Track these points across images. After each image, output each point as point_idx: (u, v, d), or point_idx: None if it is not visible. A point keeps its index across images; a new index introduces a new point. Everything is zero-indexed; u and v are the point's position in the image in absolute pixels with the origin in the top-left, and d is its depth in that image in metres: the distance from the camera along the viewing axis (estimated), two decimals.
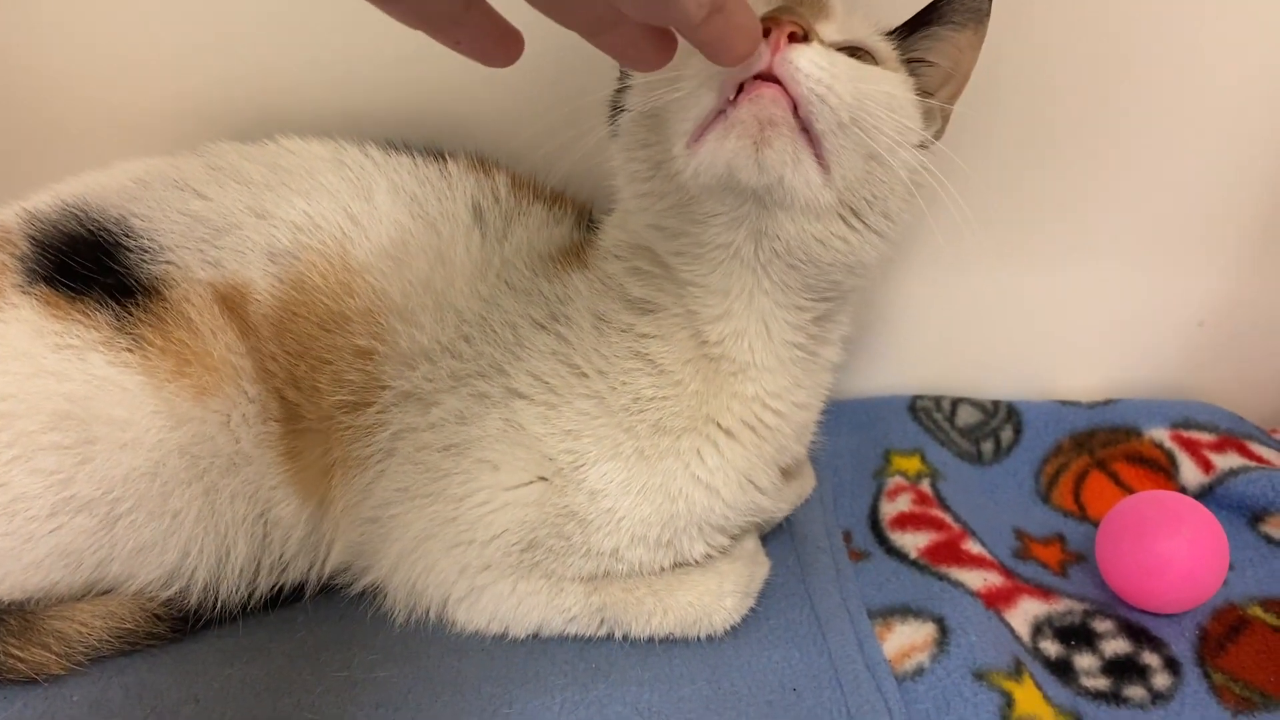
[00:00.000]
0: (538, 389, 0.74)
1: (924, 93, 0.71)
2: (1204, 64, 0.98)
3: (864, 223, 0.65)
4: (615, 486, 0.72)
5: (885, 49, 0.70)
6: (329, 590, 0.81)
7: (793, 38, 0.56)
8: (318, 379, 0.75)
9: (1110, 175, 1.02)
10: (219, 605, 0.76)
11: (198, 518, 0.73)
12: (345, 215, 0.78)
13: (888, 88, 0.63)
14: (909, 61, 0.72)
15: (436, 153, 0.85)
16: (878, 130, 0.60)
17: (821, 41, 0.58)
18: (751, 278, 0.69)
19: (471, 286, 0.77)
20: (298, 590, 0.80)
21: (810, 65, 0.56)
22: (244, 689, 0.72)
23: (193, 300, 0.74)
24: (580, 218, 0.85)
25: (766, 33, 0.55)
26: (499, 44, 0.49)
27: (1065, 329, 1.09)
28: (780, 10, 0.57)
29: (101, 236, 0.75)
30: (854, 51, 0.65)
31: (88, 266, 0.73)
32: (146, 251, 0.75)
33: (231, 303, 0.76)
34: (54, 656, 0.71)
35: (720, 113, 0.58)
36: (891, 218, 0.66)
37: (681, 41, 0.50)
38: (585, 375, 0.73)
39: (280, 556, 0.78)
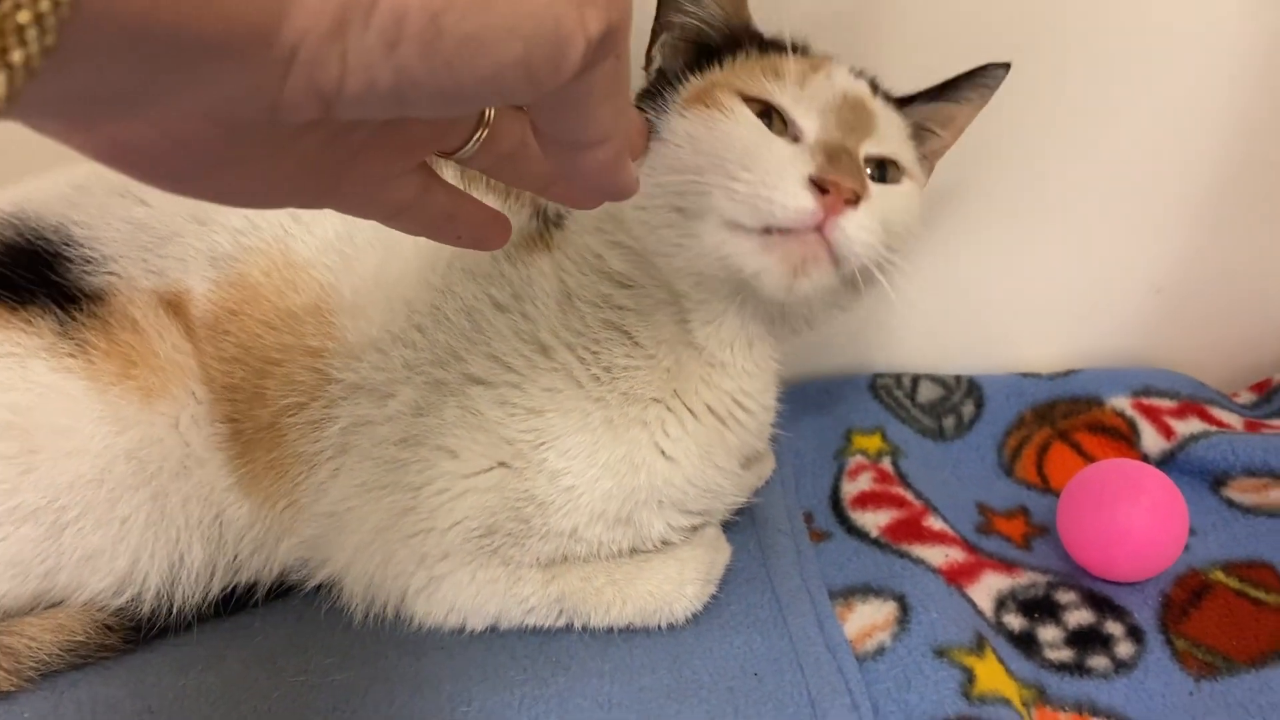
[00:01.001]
0: (497, 371, 0.73)
1: (922, 155, 0.78)
2: (1153, 27, 0.97)
3: (861, 289, 0.67)
4: (579, 461, 0.72)
5: (908, 154, 0.74)
6: (286, 592, 0.80)
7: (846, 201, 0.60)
8: (264, 381, 0.73)
9: (1063, 144, 1.02)
10: (173, 612, 0.75)
11: (147, 523, 0.72)
12: (287, 214, 0.77)
13: (909, 203, 0.71)
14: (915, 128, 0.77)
15: None
16: (895, 249, 0.66)
17: (868, 198, 0.62)
18: (743, 311, 0.73)
19: (422, 277, 0.76)
20: (251, 590, 0.79)
21: (857, 230, 0.61)
22: (199, 698, 0.70)
23: (137, 304, 0.73)
24: (538, 210, 0.84)
25: (823, 189, 0.60)
26: (492, 228, 0.51)
27: (1024, 301, 1.09)
28: (840, 167, 0.61)
29: (40, 246, 0.73)
30: (884, 163, 0.70)
31: (28, 278, 0.71)
32: (89, 262, 0.74)
33: (176, 307, 0.75)
34: (3, 673, 0.70)
35: (765, 230, 0.62)
36: (886, 276, 0.67)
37: (751, 144, 0.61)
38: (551, 350, 0.73)
39: (235, 557, 0.77)
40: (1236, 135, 1.02)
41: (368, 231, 0.77)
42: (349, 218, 0.75)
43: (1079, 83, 0.99)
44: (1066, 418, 1.01)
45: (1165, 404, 1.00)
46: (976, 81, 0.78)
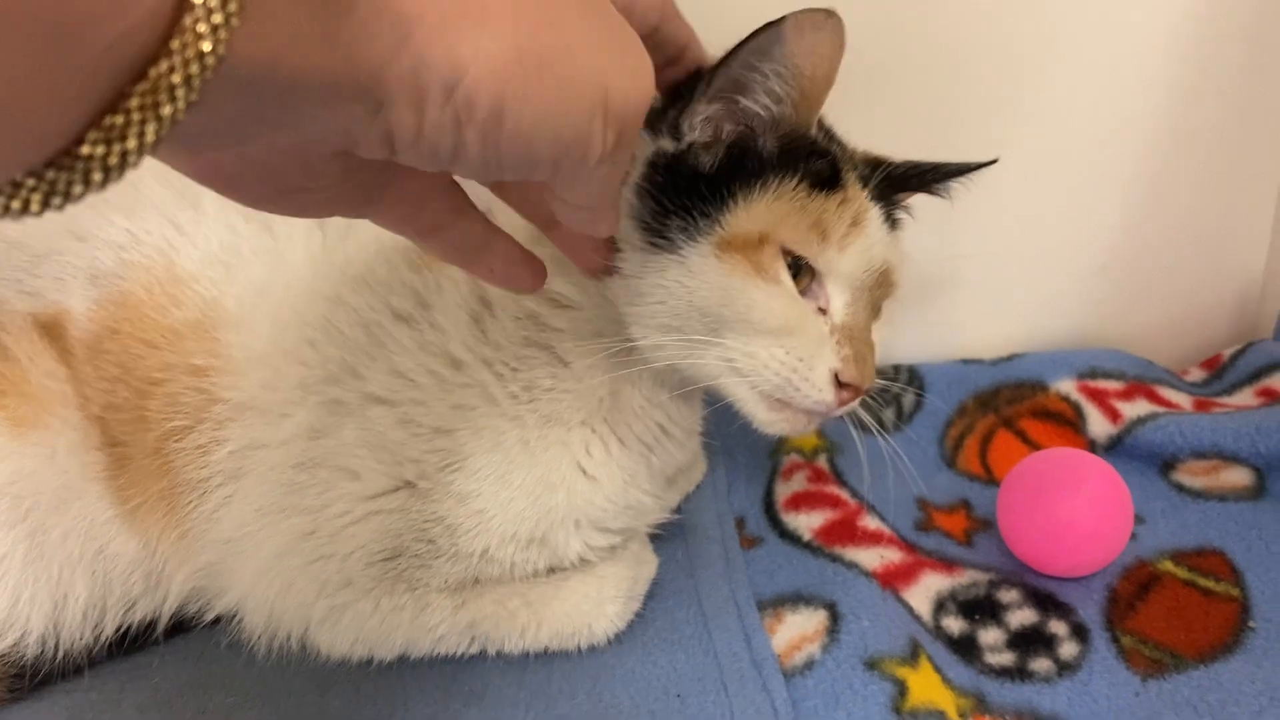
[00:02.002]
0: (399, 387, 0.68)
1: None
2: (1085, 6, 0.94)
3: None
4: (489, 483, 0.68)
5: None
6: (187, 629, 0.76)
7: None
8: (145, 403, 0.69)
9: (999, 123, 0.98)
10: (61, 656, 0.71)
11: (25, 561, 0.68)
12: (170, 225, 0.73)
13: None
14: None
15: None
16: None
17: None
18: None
19: (313, 287, 0.72)
20: (150, 628, 0.74)
21: (857, 404, 0.66)
22: None
23: (7, 329, 0.69)
24: None
25: (848, 386, 0.62)
26: (524, 269, 0.53)
27: (965, 285, 1.06)
28: (865, 369, 0.63)
29: None
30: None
31: None
32: None
33: (52, 330, 0.70)
34: None
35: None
36: None
37: (791, 324, 0.61)
38: (463, 364, 0.68)
39: (124, 594, 0.73)
40: (1174, 106, 0.99)
41: (254, 240, 0.72)
42: (235, 227, 0.73)
43: (1013, 61, 0.96)
44: (1011, 404, 0.98)
45: (1112, 385, 0.97)
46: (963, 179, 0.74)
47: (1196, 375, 1.05)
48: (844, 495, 0.88)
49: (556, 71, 0.37)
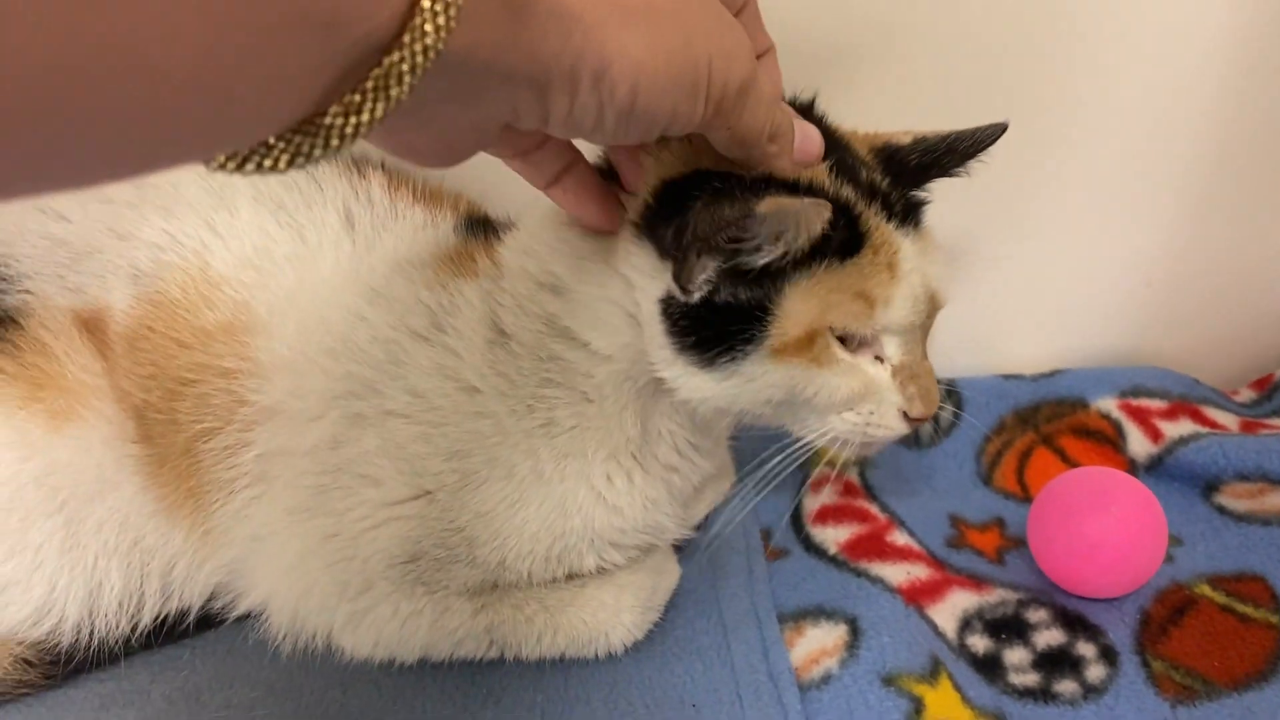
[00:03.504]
0: (419, 408, 0.68)
1: None
2: (1142, 15, 0.92)
3: None
4: (503, 506, 0.68)
5: None
6: (216, 624, 0.77)
7: None
8: (176, 404, 0.70)
9: (1044, 135, 0.96)
10: (95, 644, 0.72)
11: (61, 550, 0.70)
12: (206, 227, 0.74)
13: None
14: None
15: None
16: None
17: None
18: None
19: (338, 299, 0.73)
20: (181, 622, 0.76)
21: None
22: None
23: (48, 325, 0.71)
24: (466, 221, 0.80)
25: (919, 418, 0.64)
26: (596, 203, 0.60)
27: (1007, 298, 1.04)
28: (929, 401, 0.64)
29: None
30: None
31: None
32: (3, 280, 0.71)
33: (92, 326, 0.72)
34: None
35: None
36: None
37: (856, 393, 0.62)
38: (478, 392, 0.68)
39: (162, 586, 0.74)
40: (1228, 119, 0.96)
41: (286, 246, 0.74)
42: (268, 232, 0.74)
43: (1063, 72, 0.94)
44: (1050, 421, 0.96)
45: (1155, 404, 0.94)
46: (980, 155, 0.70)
47: (1246, 395, 1.02)
48: (874, 510, 0.87)
49: (677, 61, 0.44)
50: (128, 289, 0.72)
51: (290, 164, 0.32)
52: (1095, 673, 0.70)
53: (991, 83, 0.94)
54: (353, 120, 0.32)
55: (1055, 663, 0.71)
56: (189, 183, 0.76)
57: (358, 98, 0.32)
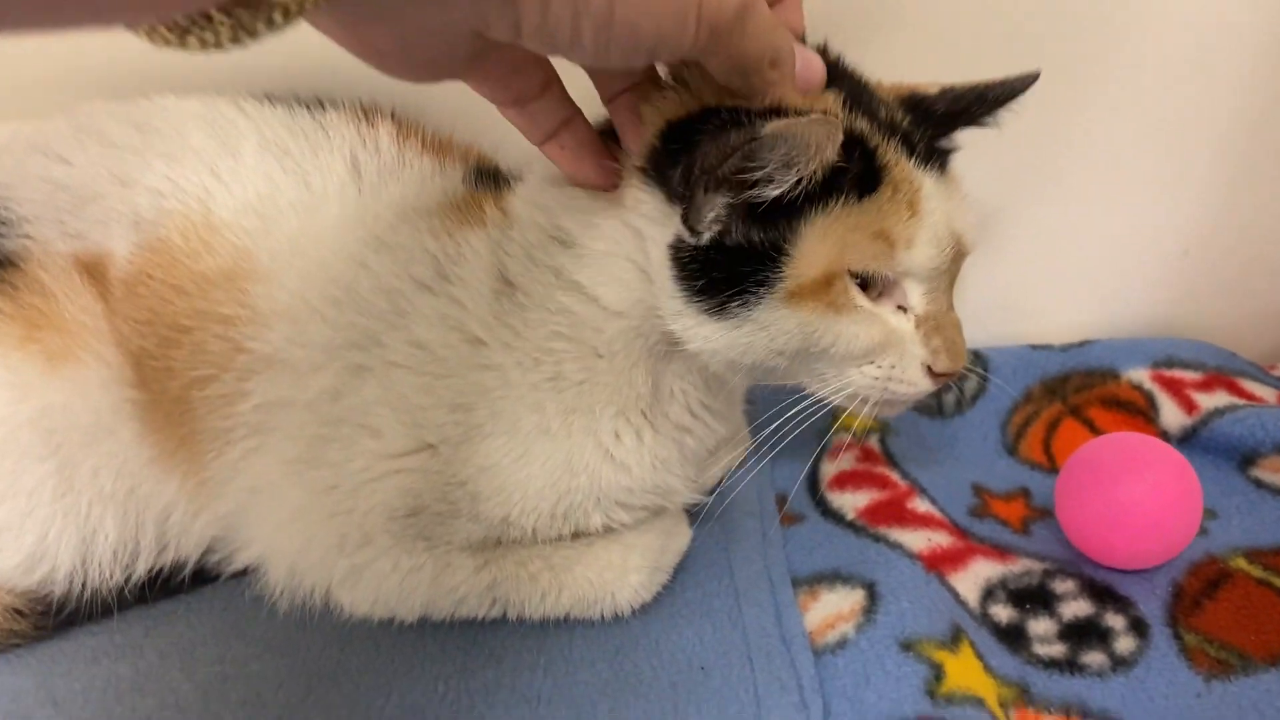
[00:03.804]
0: (421, 359, 0.66)
1: None
2: None
3: None
4: (507, 460, 0.66)
5: None
6: (212, 578, 0.75)
7: None
8: (172, 350, 0.69)
9: (1078, 93, 0.93)
10: (89, 595, 0.71)
11: (55, 495, 0.68)
12: (210, 173, 0.72)
13: None
14: None
15: (317, 103, 0.78)
16: None
17: None
18: None
19: (341, 246, 0.70)
20: (177, 574, 0.74)
21: None
22: (107, 689, 0.66)
23: (48, 268, 0.70)
24: (475, 172, 0.77)
25: (944, 373, 0.61)
26: (592, 160, 0.60)
27: (1036, 267, 1.01)
28: (955, 354, 0.61)
29: None
30: None
31: None
32: (3, 224, 0.70)
33: (92, 271, 0.71)
34: None
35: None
36: None
37: (878, 342, 0.59)
38: (482, 344, 0.66)
39: (158, 536, 0.73)
40: (1269, 84, 0.92)
41: (291, 193, 0.72)
42: (273, 178, 0.72)
43: (1098, 27, 0.91)
44: (1079, 392, 0.92)
45: (1189, 376, 0.91)
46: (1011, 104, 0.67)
47: None
48: (894, 476, 0.84)
49: None
50: (129, 235, 0.71)
51: (233, 39, 0.31)
52: (1124, 644, 0.67)
53: (1024, 40, 0.91)
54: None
55: (1082, 634, 0.68)
56: (194, 129, 0.74)
57: None
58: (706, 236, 0.56)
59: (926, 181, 0.59)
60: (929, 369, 0.61)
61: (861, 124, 0.58)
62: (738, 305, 0.57)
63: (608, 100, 0.60)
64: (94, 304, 0.70)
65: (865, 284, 0.58)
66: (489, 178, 0.75)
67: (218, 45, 0.32)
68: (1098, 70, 0.92)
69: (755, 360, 0.60)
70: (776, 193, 0.54)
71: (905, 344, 0.60)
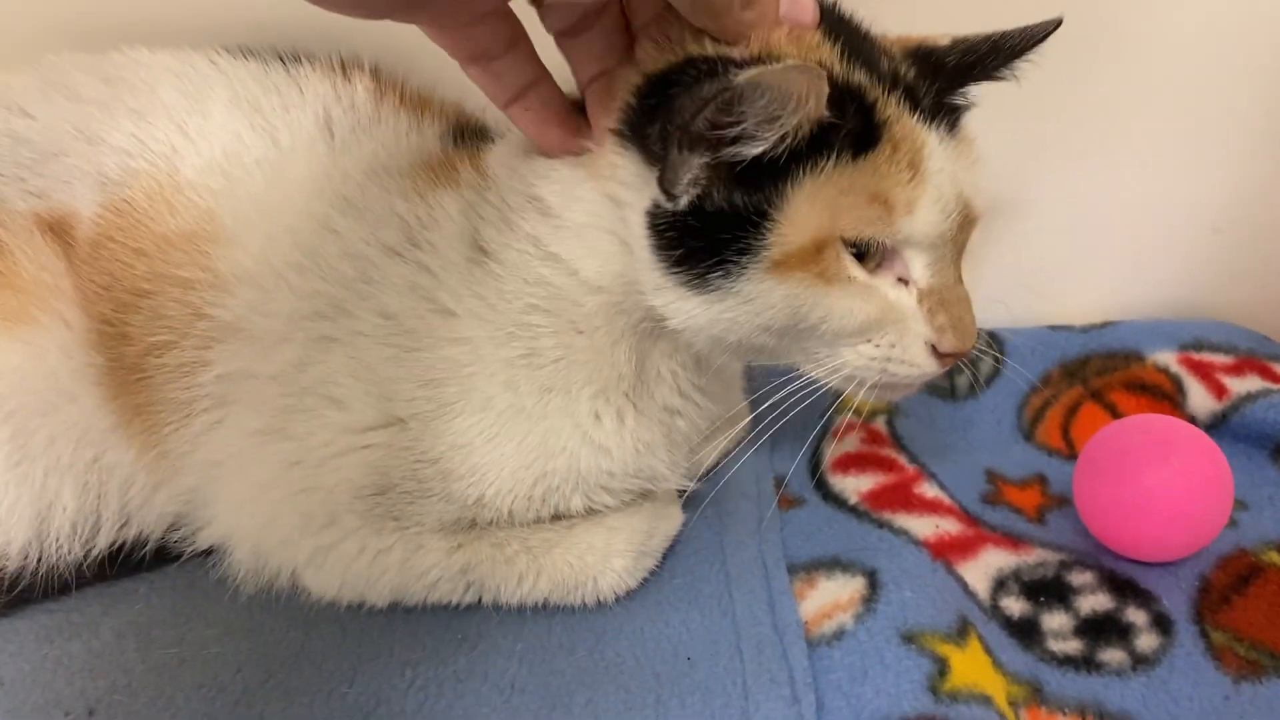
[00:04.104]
0: (390, 330, 0.63)
1: None
2: None
3: None
4: (480, 439, 0.62)
5: None
6: (175, 557, 0.72)
7: None
8: (129, 314, 0.65)
9: (1100, 59, 0.88)
10: (45, 570, 0.67)
11: (7, 464, 0.65)
12: (178, 131, 0.69)
13: None
14: None
15: (294, 56, 0.74)
16: None
17: None
18: None
19: (306, 206, 0.67)
20: (138, 551, 0.71)
21: None
22: (57, 670, 0.63)
23: (7, 225, 0.67)
24: (457, 130, 0.73)
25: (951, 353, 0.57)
26: (558, 126, 0.56)
27: (1055, 244, 0.96)
28: (963, 333, 0.57)
29: None
30: None
31: None
32: None
33: (56, 230, 0.68)
34: None
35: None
36: None
37: (874, 319, 0.55)
38: (453, 315, 0.62)
39: (120, 509, 0.69)
40: None
41: (257, 151, 0.69)
42: (241, 136, 0.69)
43: (1127, 4, 0.86)
44: (1101, 375, 0.88)
45: (1219, 359, 0.86)
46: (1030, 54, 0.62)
47: None
48: (901, 460, 0.80)
49: None
50: (94, 195, 0.68)
51: None
52: (1146, 642, 0.63)
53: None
54: None
55: (1100, 630, 0.64)
56: (164, 83, 0.72)
57: None
58: (684, 201, 0.52)
59: (931, 139, 0.54)
60: (933, 348, 0.57)
61: (859, 76, 0.53)
62: (719, 277, 0.53)
63: (583, 86, 0.57)
64: (56, 263, 0.67)
65: (862, 254, 0.54)
66: (472, 136, 0.71)
67: None
68: (1124, 35, 0.88)
69: (741, 338, 0.55)
70: (758, 150, 0.50)
71: (906, 320, 0.56)
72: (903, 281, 0.56)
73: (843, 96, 0.51)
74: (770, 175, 0.51)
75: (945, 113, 0.57)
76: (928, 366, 0.57)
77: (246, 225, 0.66)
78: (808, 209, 0.51)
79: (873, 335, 0.56)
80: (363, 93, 0.73)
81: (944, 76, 0.58)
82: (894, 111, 0.53)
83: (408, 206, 0.65)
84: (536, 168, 0.60)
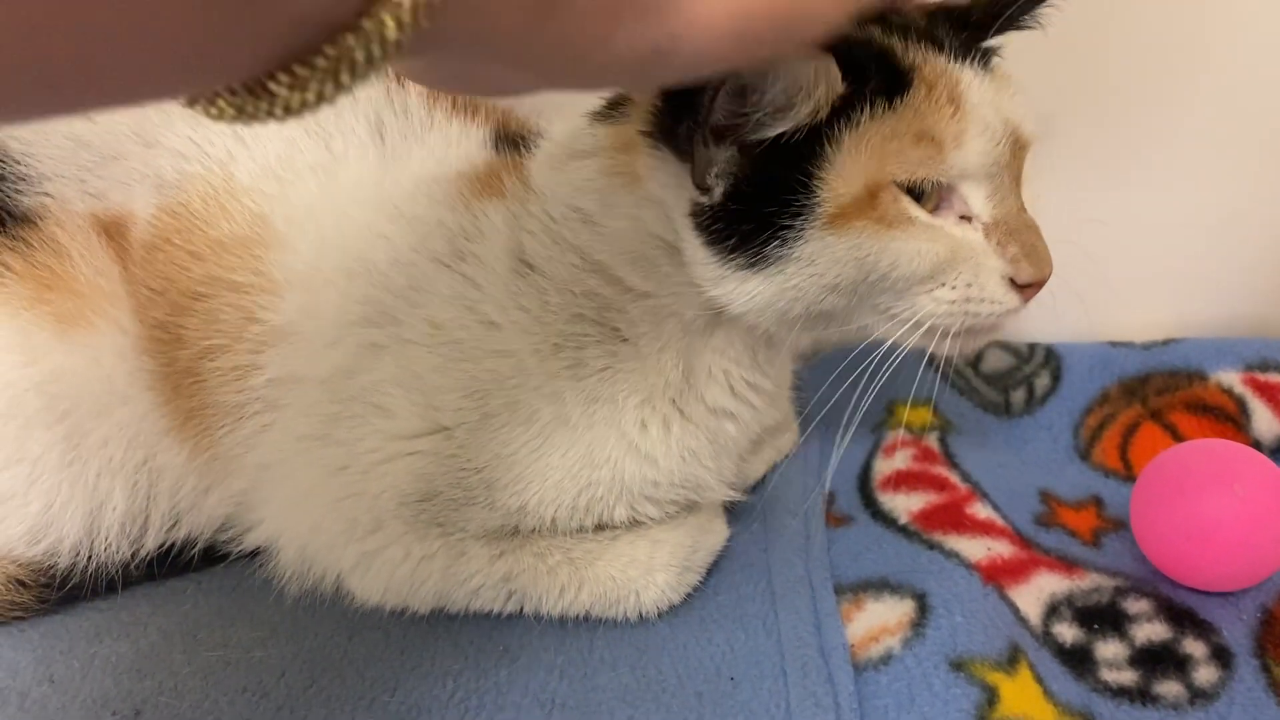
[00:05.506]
0: (437, 339, 0.63)
1: None
2: None
3: None
4: (525, 451, 0.62)
5: None
6: (222, 558, 0.72)
7: None
8: (184, 318, 0.66)
9: (1163, 67, 0.86)
10: (94, 569, 0.68)
11: (61, 464, 0.66)
12: (233, 136, 0.70)
13: None
14: None
15: None
16: None
17: None
18: None
19: (356, 213, 0.67)
20: (186, 552, 0.72)
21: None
22: (105, 669, 0.64)
23: (66, 226, 0.67)
24: (498, 135, 0.73)
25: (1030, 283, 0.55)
26: None
27: (1115, 258, 0.92)
28: (1039, 260, 0.55)
29: None
30: None
31: None
32: (22, 180, 0.68)
33: (113, 231, 0.69)
34: None
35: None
36: None
37: (944, 259, 0.53)
38: (498, 327, 0.62)
39: (170, 510, 0.70)
40: None
41: (311, 156, 0.69)
42: (294, 141, 0.69)
43: (1187, 18, 0.84)
44: (1161, 394, 0.85)
45: None
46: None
47: None
48: (953, 479, 0.78)
49: None
50: (150, 198, 0.69)
51: (237, 119, 0.29)
52: (1205, 675, 0.61)
53: (1113, 24, 0.84)
54: (298, 96, 0.28)
55: (1157, 661, 0.62)
56: None
57: (305, 72, 0.28)
58: (719, 192, 0.52)
59: (966, 75, 0.53)
60: (1011, 281, 0.55)
61: (873, 32, 0.53)
62: (776, 247, 0.52)
63: None
64: (111, 267, 0.68)
65: (918, 197, 0.53)
66: (512, 142, 0.71)
67: (222, 118, 0.29)
68: (1188, 46, 0.86)
69: (809, 305, 0.54)
70: (786, 128, 0.49)
71: (978, 256, 0.54)
72: (966, 220, 0.55)
73: (859, 52, 0.50)
74: (810, 139, 0.50)
75: (977, 53, 0.56)
76: (1010, 301, 0.55)
77: (299, 230, 0.67)
78: (853, 160, 0.51)
79: (946, 278, 0.54)
80: (415, 99, 0.73)
81: (969, 28, 0.57)
82: (919, 55, 0.53)
83: (454, 217, 0.65)
84: (575, 178, 0.60)
